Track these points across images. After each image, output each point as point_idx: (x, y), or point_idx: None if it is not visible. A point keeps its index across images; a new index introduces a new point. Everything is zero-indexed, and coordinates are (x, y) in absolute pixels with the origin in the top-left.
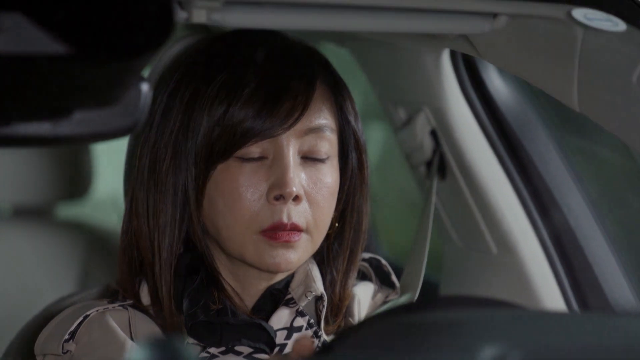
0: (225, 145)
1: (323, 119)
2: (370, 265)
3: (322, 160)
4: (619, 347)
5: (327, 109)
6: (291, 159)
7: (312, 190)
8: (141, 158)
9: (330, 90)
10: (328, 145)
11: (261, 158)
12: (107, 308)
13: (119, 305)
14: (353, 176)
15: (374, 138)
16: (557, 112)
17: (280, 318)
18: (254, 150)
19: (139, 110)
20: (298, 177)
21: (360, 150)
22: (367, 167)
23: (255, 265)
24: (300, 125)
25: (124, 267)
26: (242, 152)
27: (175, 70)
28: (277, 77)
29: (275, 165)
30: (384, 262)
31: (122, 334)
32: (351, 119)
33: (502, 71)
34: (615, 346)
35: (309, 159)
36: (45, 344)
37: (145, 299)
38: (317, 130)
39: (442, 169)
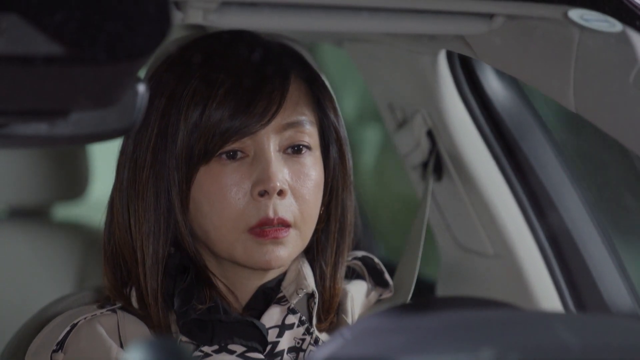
0: (205, 147)
1: (300, 113)
2: (364, 263)
3: (303, 154)
4: (616, 348)
5: (304, 103)
6: (272, 154)
7: (296, 184)
8: (120, 167)
9: (306, 84)
10: (308, 138)
11: (242, 156)
12: (95, 315)
13: (108, 310)
14: (335, 168)
15: (371, 139)
16: (554, 112)
17: (272, 316)
18: (235, 149)
19: (136, 111)
20: (281, 172)
21: (340, 142)
22: (348, 160)
23: (246, 264)
24: (279, 120)
25: (110, 276)
26: (222, 152)
27: (152, 76)
28: (251, 75)
29: (256, 162)
30: (377, 260)
31: (109, 341)
32: (330, 113)
33: (499, 72)
34: (611, 347)
35: (290, 154)
36: (34, 356)
37: (135, 304)
38: (295, 124)
39: (439, 170)
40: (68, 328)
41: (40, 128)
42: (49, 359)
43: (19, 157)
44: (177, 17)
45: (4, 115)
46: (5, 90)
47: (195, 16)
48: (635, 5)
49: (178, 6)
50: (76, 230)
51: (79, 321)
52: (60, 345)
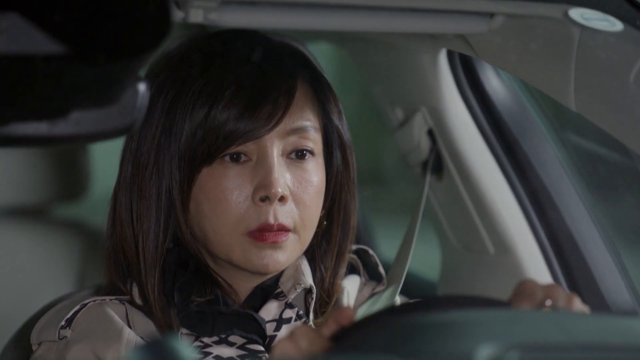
0: (209, 148)
1: (306, 119)
2: (359, 257)
3: (306, 160)
4: (616, 347)
5: (310, 109)
6: (275, 159)
7: (297, 190)
8: (123, 164)
9: (312, 89)
10: (312, 144)
11: (245, 160)
12: (105, 300)
13: (116, 299)
14: (339, 174)
15: (371, 138)
16: (554, 111)
17: (269, 310)
18: (238, 151)
19: (136, 110)
20: (283, 178)
21: (344, 147)
22: (352, 165)
23: (243, 267)
24: (283, 126)
25: (112, 271)
26: (225, 154)
27: (158, 74)
28: (258, 78)
29: (259, 167)
30: (371, 252)
31: (120, 322)
32: (334, 117)
33: (500, 71)
34: (612, 346)
35: (293, 159)
36: (41, 332)
37: (138, 299)
38: (300, 130)
39: (439, 169)
40: (78, 307)
41: (40, 128)
42: (56, 334)
43: (20, 156)
44: (178, 16)
45: (4, 114)
46: (5, 89)
47: (196, 15)
48: (635, 4)
49: (178, 5)
50: (76, 230)
51: (88, 302)
52: (69, 322)
